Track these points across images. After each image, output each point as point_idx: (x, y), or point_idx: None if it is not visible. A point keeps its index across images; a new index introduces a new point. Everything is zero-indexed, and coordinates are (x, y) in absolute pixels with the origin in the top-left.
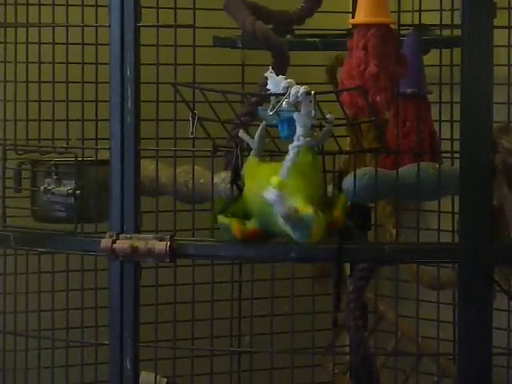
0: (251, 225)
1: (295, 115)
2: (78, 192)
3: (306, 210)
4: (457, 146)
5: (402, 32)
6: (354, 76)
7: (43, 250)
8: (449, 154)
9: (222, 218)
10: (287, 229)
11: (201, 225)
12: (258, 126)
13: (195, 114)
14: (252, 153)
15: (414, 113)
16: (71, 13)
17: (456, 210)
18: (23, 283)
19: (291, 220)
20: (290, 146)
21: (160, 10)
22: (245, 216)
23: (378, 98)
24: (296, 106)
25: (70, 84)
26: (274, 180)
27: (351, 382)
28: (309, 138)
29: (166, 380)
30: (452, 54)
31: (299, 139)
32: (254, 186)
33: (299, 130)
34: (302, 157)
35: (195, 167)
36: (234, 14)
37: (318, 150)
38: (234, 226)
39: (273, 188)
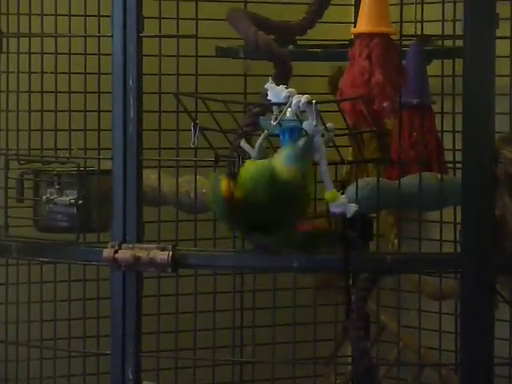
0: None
1: (306, 125)
2: (80, 202)
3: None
4: (459, 157)
5: (404, 42)
6: (357, 85)
7: (45, 259)
8: (451, 165)
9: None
10: None
11: (203, 235)
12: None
13: (197, 123)
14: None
15: (420, 123)
16: (74, 23)
17: (458, 220)
18: (25, 293)
19: None
20: (316, 158)
21: (162, 20)
22: None
23: (385, 104)
24: (298, 115)
25: (72, 94)
26: (328, 196)
27: None
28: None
29: None
30: (454, 64)
31: (322, 149)
32: None
33: (317, 140)
34: None
35: (197, 177)
36: (236, 25)
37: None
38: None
39: (331, 203)
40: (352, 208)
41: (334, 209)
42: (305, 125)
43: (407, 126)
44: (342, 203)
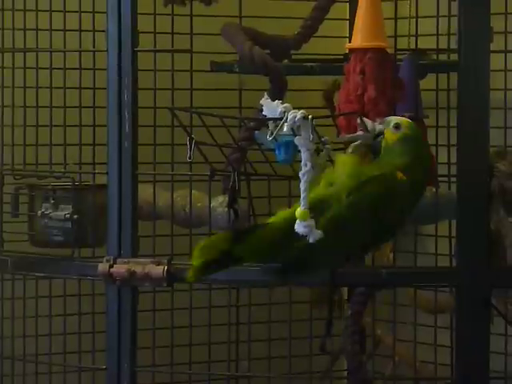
0: None
1: (296, 140)
2: (75, 216)
3: None
4: (454, 170)
5: (398, 56)
6: (351, 100)
7: (41, 274)
8: (446, 178)
9: None
10: None
11: None
12: (256, 150)
13: (192, 138)
14: None
15: None
16: (69, 38)
17: (453, 234)
18: (20, 308)
19: None
20: (300, 174)
21: (157, 34)
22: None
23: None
24: (293, 130)
25: (67, 109)
26: (298, 212)
27: None
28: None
29: None
30: (449, 78)
31: (306, 164)
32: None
33: (304, 156)
34: None
35: (193, 191)
36: (231, 40)
37: None
38: None
39: (299, 221)
40: (317, 234)
41: (300, 228)
42: (296, 140)
43: None
44: (309, 225)
